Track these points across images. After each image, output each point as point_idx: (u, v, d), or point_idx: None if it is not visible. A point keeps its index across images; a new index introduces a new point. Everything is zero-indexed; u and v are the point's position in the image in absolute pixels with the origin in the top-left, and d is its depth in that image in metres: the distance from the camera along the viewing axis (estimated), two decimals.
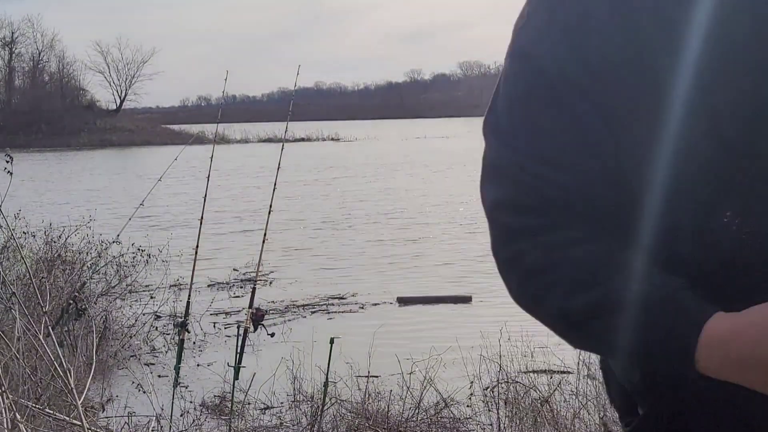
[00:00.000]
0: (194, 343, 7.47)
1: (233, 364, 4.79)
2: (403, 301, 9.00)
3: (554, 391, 4.98)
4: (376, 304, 8.94)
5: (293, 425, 5.39)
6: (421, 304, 8.96)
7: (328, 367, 4.78)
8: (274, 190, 5.26)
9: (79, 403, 3.03)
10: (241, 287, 9.93)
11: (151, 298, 9.14)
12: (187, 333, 5.12)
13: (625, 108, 0.92)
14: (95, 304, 7.74)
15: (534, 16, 1.00)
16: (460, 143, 37.64)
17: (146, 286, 9.61)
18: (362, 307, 8.91)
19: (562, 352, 5.96)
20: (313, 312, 8.80)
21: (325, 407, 5.00)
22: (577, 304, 0.90)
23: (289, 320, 8.38)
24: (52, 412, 3.78)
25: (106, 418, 5.27)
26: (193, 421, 5.38)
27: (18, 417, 3.25)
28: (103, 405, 5.38)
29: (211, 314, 8.54)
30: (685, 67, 0.89)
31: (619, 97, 0.92)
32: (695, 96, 0.89)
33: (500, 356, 5.52)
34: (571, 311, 0.90)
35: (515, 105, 0.99)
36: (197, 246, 5.28)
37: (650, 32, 0.91)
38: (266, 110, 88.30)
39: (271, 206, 5.10)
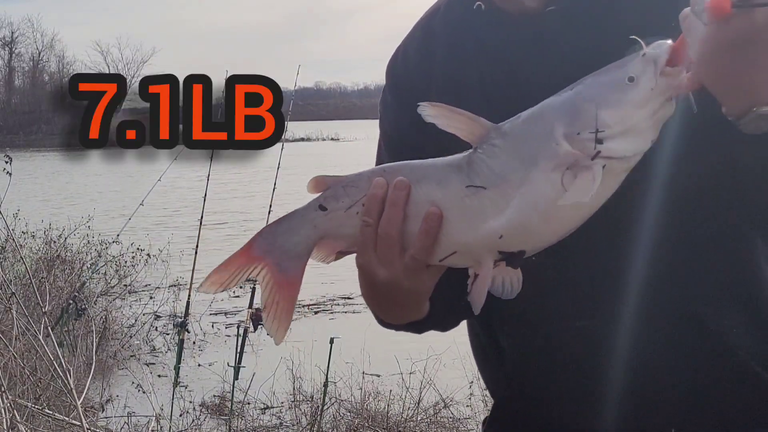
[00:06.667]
0: (194, 343, 7.46)
1: (233, 364, 4.79)
2: None
3: None
4: None
5: (293, 425, 5.39)
6: None
7: (328, 367, 4.77)
8: (273, 189, 5.26)
9: (79, 403, 3.03)
10: (241, 287, 9.87)
11: (151, 298, 9.14)
12: (187, 333, 5.12)
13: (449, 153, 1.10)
14: (95, 304, 7.74)
15: (384, 95, 1.38)
16: None
17: (146, 285, 9.61)
18: (366, 307, 8.89)
19: None
20: (316, 312, 8.78)
21: (325, 407, 5.00)
22: None
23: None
24: (51, 412, 3.78)
25: (106, 418, 5.27)
26: (193, 421, 5.37)
27: (17, 417, 3.25)
28: (102, 405, 5.38)
29: (211, 314, 8.52)
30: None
31: (444, 148, 1.10)
32: None
33: None
34: None
35: (376, 161, 1.36)
36: (197, 246, 5.28)
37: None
38: None
39: (271, 205, 5.09)
